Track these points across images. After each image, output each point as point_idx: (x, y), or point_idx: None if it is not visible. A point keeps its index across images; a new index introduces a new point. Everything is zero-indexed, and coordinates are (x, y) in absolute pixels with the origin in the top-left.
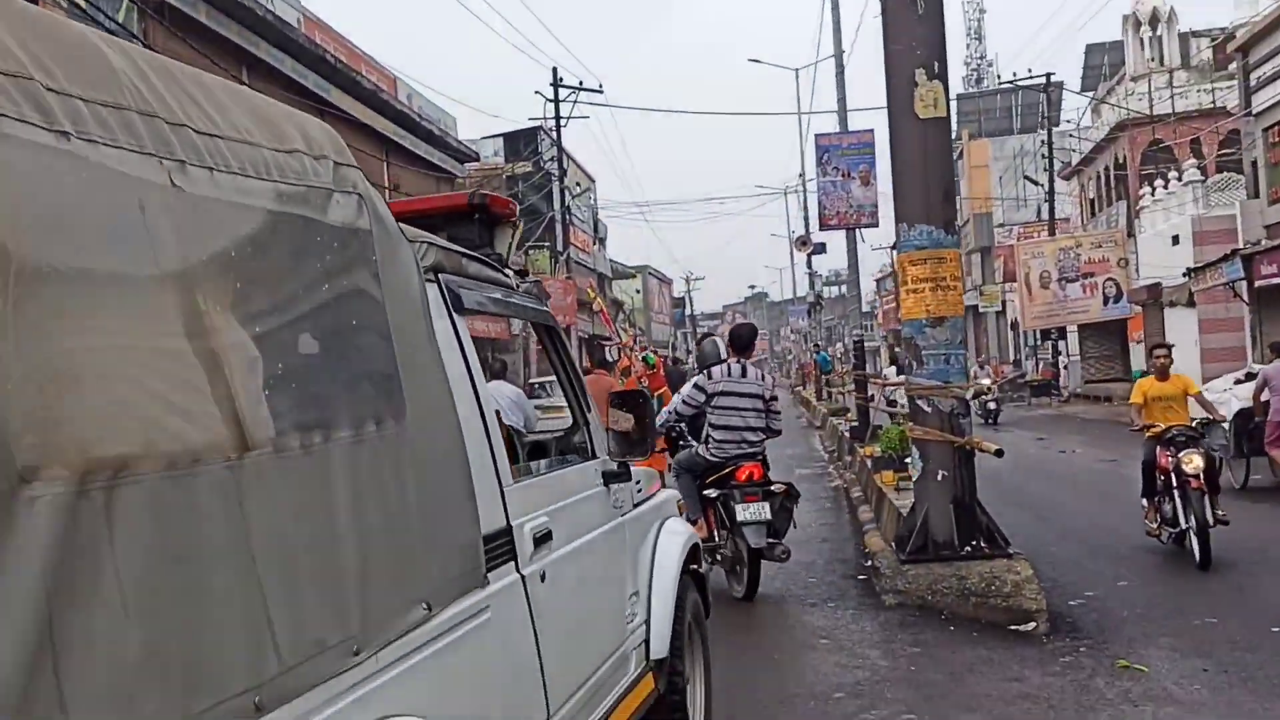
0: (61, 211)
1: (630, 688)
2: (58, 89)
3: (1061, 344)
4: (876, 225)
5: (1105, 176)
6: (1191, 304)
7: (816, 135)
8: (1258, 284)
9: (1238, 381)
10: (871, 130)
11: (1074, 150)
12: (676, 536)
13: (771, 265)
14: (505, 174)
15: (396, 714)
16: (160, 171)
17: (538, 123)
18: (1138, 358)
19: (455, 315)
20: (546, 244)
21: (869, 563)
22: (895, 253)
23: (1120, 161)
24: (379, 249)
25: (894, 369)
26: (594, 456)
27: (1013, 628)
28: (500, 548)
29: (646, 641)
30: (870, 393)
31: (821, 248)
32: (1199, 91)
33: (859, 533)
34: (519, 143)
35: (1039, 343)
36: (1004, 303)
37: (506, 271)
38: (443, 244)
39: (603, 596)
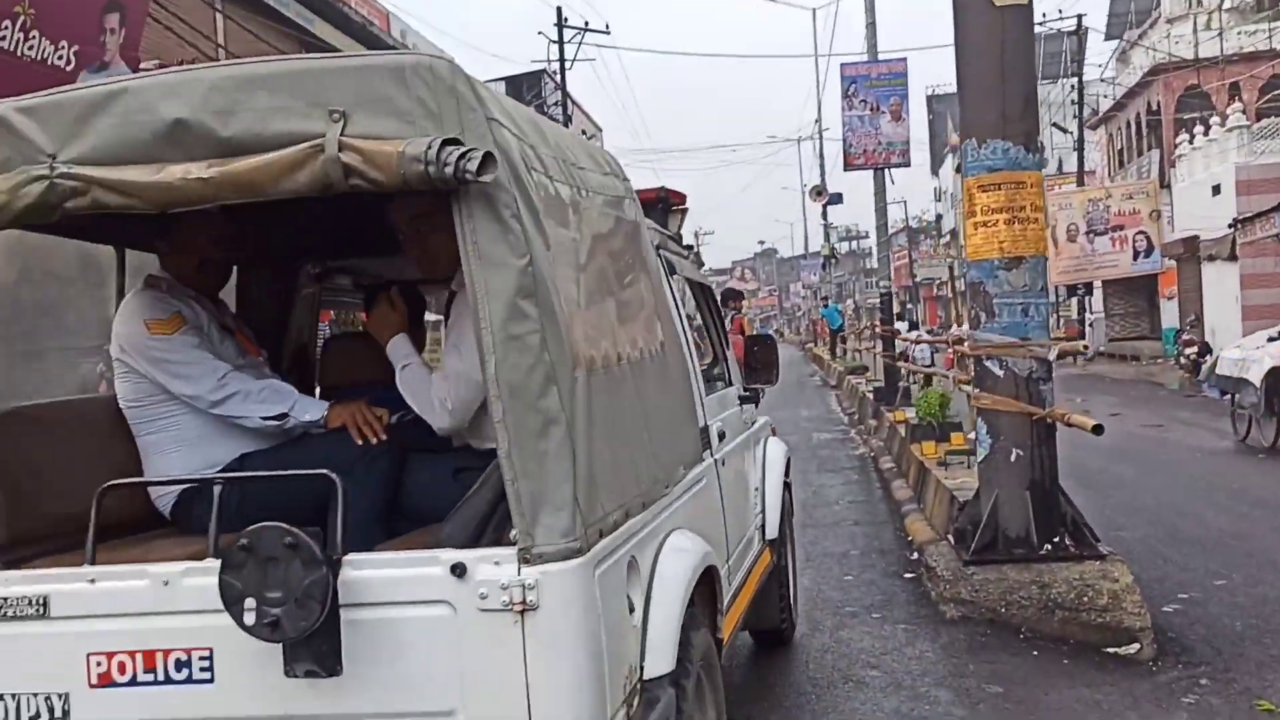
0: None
1: (758, 557)
2: (557, 157)
3: (1087, 300)
4: (908, 165)
5: (1136, 125)
6: (1233, 258)
7: (842, 65)
8: None
9: (1270, 339)
10: (904, 60)
11: (1104, 96)
12: (778, 449)
13: (782, 220)
14: None
15: (677, 525)
16: (577, 196)
17: (541, 65)
18: (1169, 315)
19: (670, 277)
20: None
21: (916, 555)
22: (960, 177)
23: (1154, 108)
24: (642, 234)
25: (905, 325)
26: (732, 384)
27: (1111, 649)
28: (704, 438)
29: (763, 526)
30: (903, 348)
31: (838, 198)
32: (1239, 34)
33: (896, 514)
34: (521, 87)
35: (1061, 299)
36: None
37: (684, 246)
38: (659, 228)
39: (745, 484)
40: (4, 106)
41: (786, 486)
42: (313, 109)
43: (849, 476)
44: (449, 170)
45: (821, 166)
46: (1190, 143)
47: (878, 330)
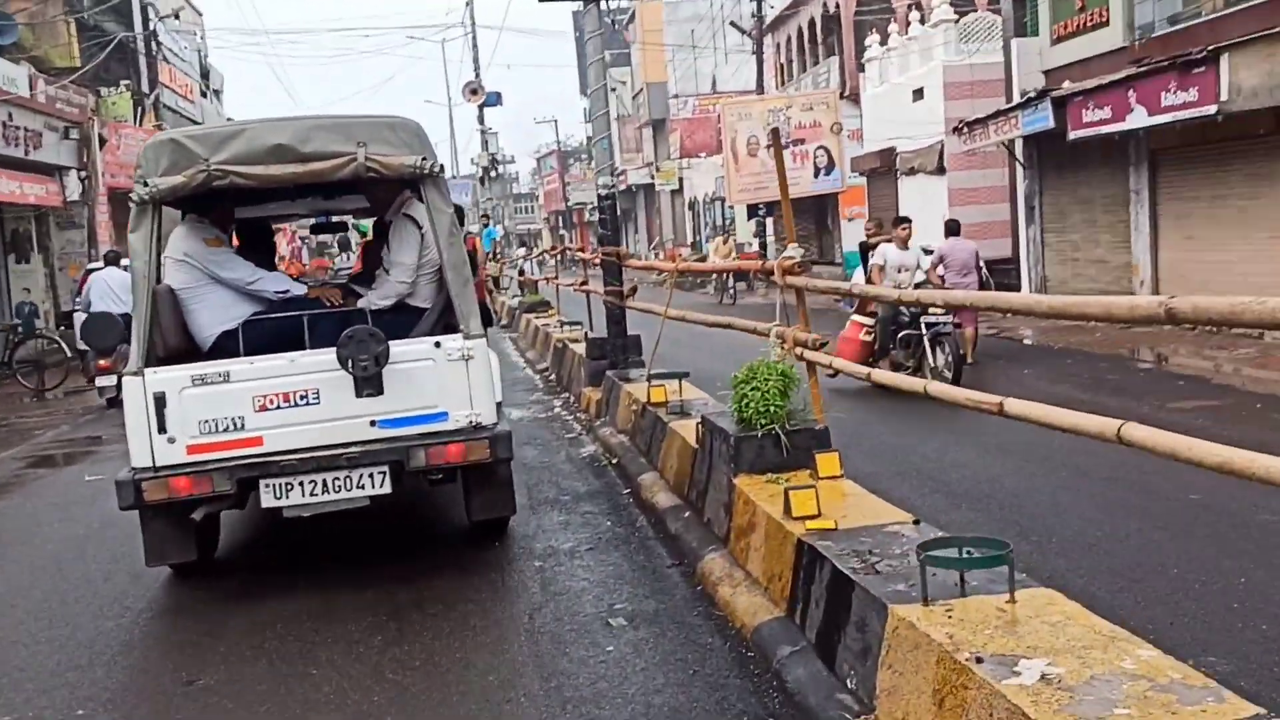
0: None
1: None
2: None
3: (768, 222)
4: None
5: (810, 32)
6: (940, 170)
7: None
8: (1073, 136)
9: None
10: None
11: (764, 13)
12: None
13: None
14: None
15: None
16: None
17: None
18: (851, 236)
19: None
20: (128, 83)
21: None
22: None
23: (831, 12)
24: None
25: (522, 250)
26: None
27: None
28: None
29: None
30: (632, 284)
31: (495, 98)
32: None
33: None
34: None
35: (728, 222)
36: (680, 180)
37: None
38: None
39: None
40: (177, 134)
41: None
42: (348, 140)
43: (600, 528)
44: (429, 168)
45: (476, 62)
46: (883, 44)
47: (587, 253)
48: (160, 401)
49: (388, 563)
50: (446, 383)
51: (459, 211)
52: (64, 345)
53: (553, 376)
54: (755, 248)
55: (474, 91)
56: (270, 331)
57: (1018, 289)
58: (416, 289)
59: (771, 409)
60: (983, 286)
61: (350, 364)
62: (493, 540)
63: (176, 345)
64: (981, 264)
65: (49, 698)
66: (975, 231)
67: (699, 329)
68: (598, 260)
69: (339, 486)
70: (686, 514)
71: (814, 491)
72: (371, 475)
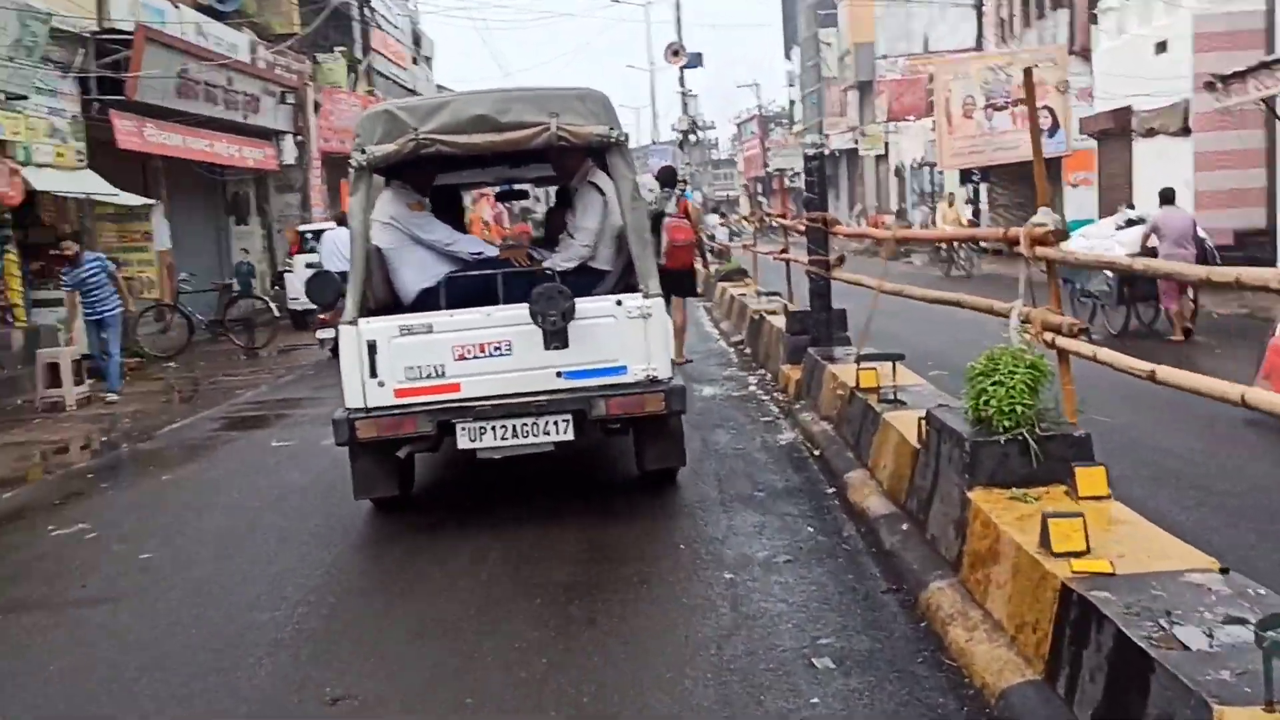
0: None
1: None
2: None
3: (983, 188)
4: None
5: None
6: (1185, 131)
7: None
8: None
9: (1119, 227)
10: None
11: None
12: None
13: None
14: None
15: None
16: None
17: None
18: (1076, 205)
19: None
20: (343, 49)
21: None
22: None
23: None
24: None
25: (714, 216)
26: None
27: None
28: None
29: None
30: (839, 254)
31: (697, 59)
32: None
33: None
34: None
35: (937, 189)
36: (886, 145)
37: None
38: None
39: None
40: (390, 105)
41: None
42: (542, 111)
43: (800, 535)
44: (615, 137)
45: (679, 23)
46: None
47: (788, 219)
48: (372, 349)
49: (556, 565)
50: (626, 339)
51: (672, 173)
52: (272, 305)
53: (748, 350)
54: (968, 217)
55: (675, 53)
56: (466, 288)
57: (1274, 262)
58: (598, 252)
59: (1018, 408)
60: (1202, 259)
61: (540, 318)
62: (678, 531)
63: (384, 299)
64: (1203, 235)
65: (185, 707)
66: (1226, 199)
67: (914, 304)
68: (801, 227)
69: (527, 432)
70: (904, 526)
71: (1081, 521)
72: (556, 422)
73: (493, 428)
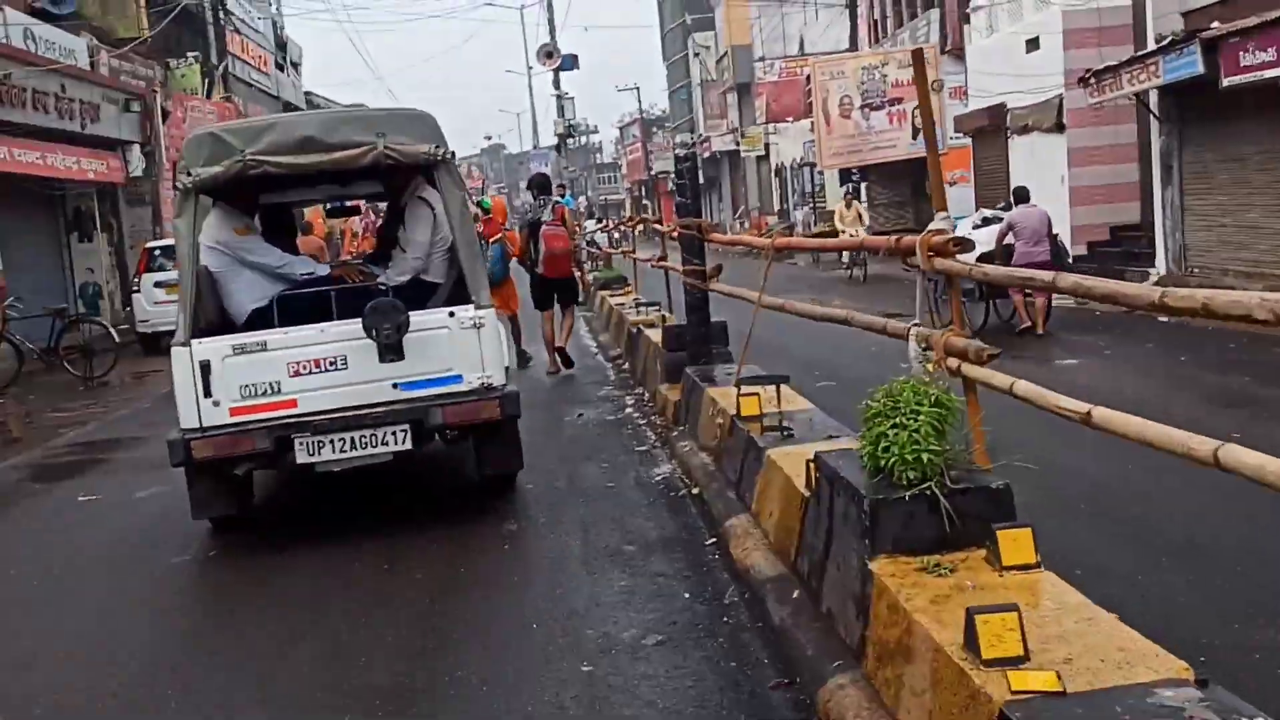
0: None
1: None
2: None
3: (862, 187)
4: None
5: None
6: (1059, 128)
7: None
8: (1227, 83)
9: (975, 226)
10: None
11: None
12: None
13: (509, 110)
14: None
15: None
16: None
17: None
18: (953, 201)
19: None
20: (196, 54)
21: None
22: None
23: None
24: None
25: (592, 221)
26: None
27: None
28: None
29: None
30: (716, 264)
31: (571, 61)
32: None
33: None
34: None
35: (815, 189)
36: (766, 146)
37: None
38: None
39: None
40: (215, 128)
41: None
42: (369, 131)
43: (675, 603)
44: (442, 155)
45: (551, 24)
46: None
47: (666, 226)
48: (205, 369)
49: (380, 661)
50: (460, 349)
51: (545, 180)
52: (112, 330)
53: (625, 366)
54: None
55: (550, 55)
56: (300, 307)
57: (1151, 258)
58: (430, 265)
59: (924, 456)
60: (1055, 256)
61: (375, 332)
62: (530, 604)
63: (216, 320)
64: (1055, 232)
65: None
66: (1099, 195)
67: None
68: (676, 234)
69: (365, 443)
70: (795, 594)
71: (1015, 617)
72: (394, 433)
73: (331, 441)
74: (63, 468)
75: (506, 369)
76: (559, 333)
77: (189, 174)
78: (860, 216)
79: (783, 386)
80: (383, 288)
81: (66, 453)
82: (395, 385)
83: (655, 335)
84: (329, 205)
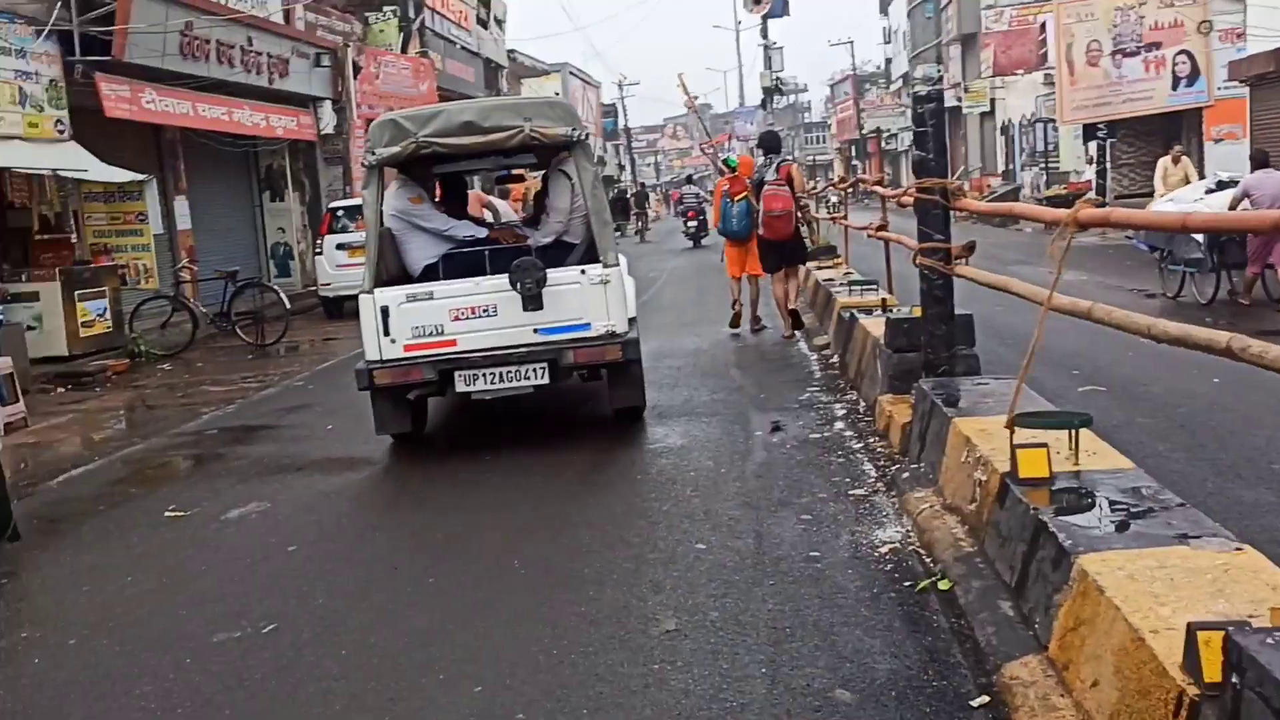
0: None
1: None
2: None
3: (1108, 146)
4: None
5: None
6: None
7: None
8: None
9: (1209, 191)
10: None
11: None
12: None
13: (715, 69)
14: None
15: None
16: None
17: None
18: (1219, 161)
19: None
20: (394, 8)
21: None
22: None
23: None
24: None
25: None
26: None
27: None
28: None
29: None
30: (969, 241)
31: (783, 6)
32: None
33: None
34: None
35: (1048, 147)
36: (992, 101)
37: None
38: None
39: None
40: (395, 115)
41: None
42: (518, 116)
43: None
44: (578, 136)
45: None
46: None
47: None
48: (385, 313)
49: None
50: (589, 301)
51: (774, 137)
52: (283, 295)
53: (834, 360)
54: (1087, 178)
55: (757, 1)
56: (462, 263)
57: None
58: (571, 228)
59: None
60: None
61: (519, 286)
62: None
63: (396, 273)
64: None
65: None
66: None
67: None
68: (909, 200)
69: (511, 377)
70: None
71: None
72: (535, 369)
73: (483, 374)
74: (167, 467)
75: (631, 320)
76: (791, 294)
77: (373, 153)
78: (1190, 177)
79: (1080, 431)
80: (529, 247)
81: (187, 443)
82: (536, 330)
83: (874, 327)
84: (499, 173)
